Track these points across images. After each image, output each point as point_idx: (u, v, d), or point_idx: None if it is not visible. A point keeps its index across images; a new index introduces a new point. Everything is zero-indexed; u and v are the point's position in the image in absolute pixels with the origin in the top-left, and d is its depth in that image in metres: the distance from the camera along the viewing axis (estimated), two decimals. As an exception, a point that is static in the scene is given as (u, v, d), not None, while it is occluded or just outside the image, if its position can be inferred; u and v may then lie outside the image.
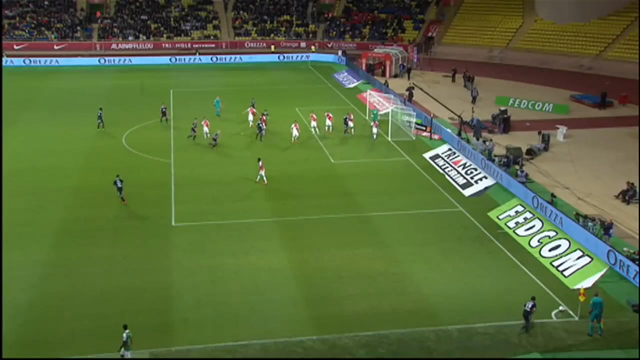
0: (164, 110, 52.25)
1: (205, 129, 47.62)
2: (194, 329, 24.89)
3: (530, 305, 24.80)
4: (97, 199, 37.08)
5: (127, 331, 22.67)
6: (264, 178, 39.13)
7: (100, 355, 23.08)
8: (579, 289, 26.37)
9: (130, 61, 79.79)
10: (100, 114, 50.74)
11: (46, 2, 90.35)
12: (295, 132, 47.27)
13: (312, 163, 43.73)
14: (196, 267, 29.41)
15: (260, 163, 39.25)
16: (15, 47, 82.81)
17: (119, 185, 36.32)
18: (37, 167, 41.82)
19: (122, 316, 25.42)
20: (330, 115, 50.33)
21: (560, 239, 31.85)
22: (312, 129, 49.42)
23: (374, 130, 48.45)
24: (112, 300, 26.74)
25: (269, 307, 26.45)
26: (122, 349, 22.53)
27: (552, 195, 35.54)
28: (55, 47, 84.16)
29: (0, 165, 40.14)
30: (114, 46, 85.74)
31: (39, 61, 78.50)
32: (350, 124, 49.39)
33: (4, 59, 77.84)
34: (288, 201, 37.21)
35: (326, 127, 49.44)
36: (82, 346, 23.59)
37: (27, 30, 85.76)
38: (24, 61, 78.19)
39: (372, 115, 52.09)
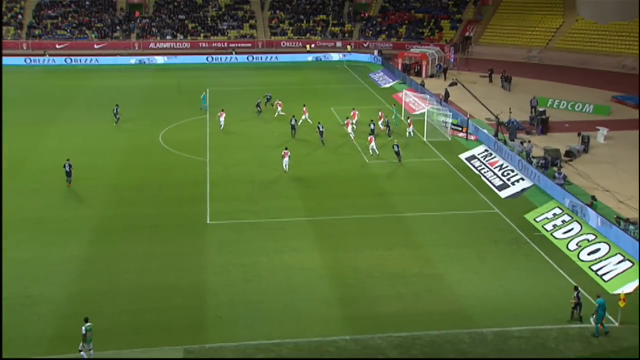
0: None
1: (222, 119, 50.17)
2: (228, 326, 25.04)
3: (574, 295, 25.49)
4: (134, 196, 37.61)
5: (87, 324, 22.65)
6: (285, 166, 40.36)
7: (135, 353, 23.37)
8: (619, 294, 25.78)
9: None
10: (117, 110, 52.01)
11: (87, 2, 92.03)
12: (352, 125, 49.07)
13: (346, 163, 43.64)
14: (230, 265, 29.59)
15: (284, 152, 40.74)
16: (57, 46, 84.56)
17: (67, 169, 38.32)
18: (75, 164, 42.39)
19: (157, 312, 25.83)
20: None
21: (599, 242, 31.17)
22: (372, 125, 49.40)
23: (409, 129, 48.26)
24: (148, 296, 27.07)
25: (303, 306, 26.48)
26: (82, 344, 22.50)
27: (592, 197, 34.85)
28: (95, 46, 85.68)
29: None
30: (152, 45, 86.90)
31: (80, 60, 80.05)
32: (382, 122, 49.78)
33: (46, 57, 79.64)
34: (322, 201, 37.19)
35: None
36: (119, 341, 23.94)
37: (68, 30, 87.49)
38: (65, 60, 79.81)
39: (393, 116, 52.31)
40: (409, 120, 49.35)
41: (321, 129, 46.74)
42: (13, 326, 24.71)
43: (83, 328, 22.58)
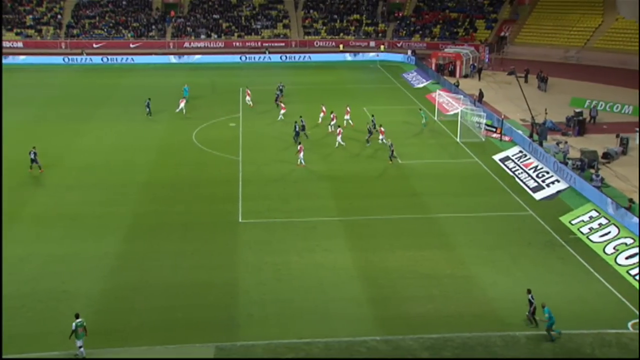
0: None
1: (248, 97, 56.71)
2: (259, 325, 25.13)
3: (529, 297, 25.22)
4: (167, 194, 37.99)
5: (77, 320, 22.81)
6: (302, 160, 41.88)
7: (167, 350, 23.60)
8: (657, 300, 25.23)
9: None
10: (148, 103, 54.57)
11: (124, 2, 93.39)
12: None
13: (378, 163, 43.44)
14: (262, 264, 29.69)
15: (300, 147, 42.37)
16: (94, 45, 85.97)
17: (32, 157, 40.16)
18: (110, 162, 43.17)
19: (189, 310, 26.03)
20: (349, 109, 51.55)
21: (637, 246, 30.46)
22: (345, 122, 50.31)
23: (381, 136, 46.55)
24: (180, 293, 27.30)
25: (333, 305, 26.44)
26: (76, 340, 22.66)
27: (630, 200, 34.09)
28: (131, 45, 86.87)
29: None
30: (186, 44, 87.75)
31: (116, 59, 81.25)
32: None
33: (84, 56, 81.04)
34: (354, 200, 37.09)
35: (345, 122, 50.00)
36: (151, 337, 24.21)
37: (105, 30, 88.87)
38: (101, 59, 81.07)
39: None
40: (381, 129, 46.95)
41: (302, 123, 47.64)
42: (50, 320, 25.22)
43: (73, 324, 22.79)
